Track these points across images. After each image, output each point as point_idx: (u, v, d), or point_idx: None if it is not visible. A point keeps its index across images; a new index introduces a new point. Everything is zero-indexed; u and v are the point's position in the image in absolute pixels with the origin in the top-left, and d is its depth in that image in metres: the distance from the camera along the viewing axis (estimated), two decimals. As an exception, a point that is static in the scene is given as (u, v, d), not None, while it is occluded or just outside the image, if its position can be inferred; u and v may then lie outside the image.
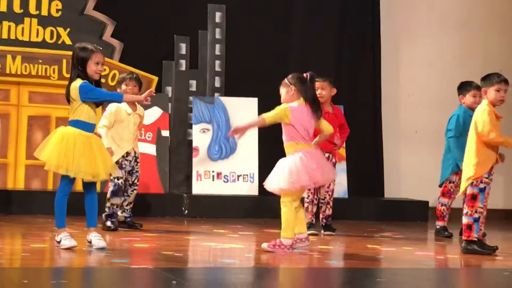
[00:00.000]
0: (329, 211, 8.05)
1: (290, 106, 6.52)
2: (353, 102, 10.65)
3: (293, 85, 6.60)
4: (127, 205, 7.79)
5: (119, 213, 7.74)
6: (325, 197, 8.05)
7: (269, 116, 6.54)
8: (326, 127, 6.73)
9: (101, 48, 6.40)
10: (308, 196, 7.95)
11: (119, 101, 7.25)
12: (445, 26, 11.25)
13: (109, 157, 6.43)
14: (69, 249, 6.08)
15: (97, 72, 6.24)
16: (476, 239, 6.85)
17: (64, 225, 6.22)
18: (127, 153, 7.69)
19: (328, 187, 8.00)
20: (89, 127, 6.24)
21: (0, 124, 9.37)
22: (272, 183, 6.51)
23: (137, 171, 7.78)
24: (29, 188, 9.43)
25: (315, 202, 8.03)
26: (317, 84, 7.58)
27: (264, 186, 6.64)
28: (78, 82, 6.20)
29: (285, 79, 6.71)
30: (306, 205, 7.92)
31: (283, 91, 6.69)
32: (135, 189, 7.79)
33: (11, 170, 9.46)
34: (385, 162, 10.90)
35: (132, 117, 7.72)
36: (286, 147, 6.59)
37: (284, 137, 6.60)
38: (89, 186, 6.31)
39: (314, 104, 6.60)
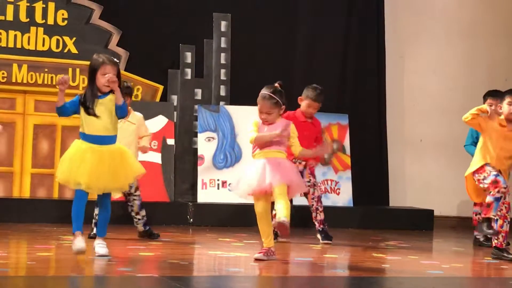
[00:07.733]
0: (320, 216, 8.07)
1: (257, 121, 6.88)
2: (358, 110, 10.67)
3: None
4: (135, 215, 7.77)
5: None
6: (312, 205, 8.09)
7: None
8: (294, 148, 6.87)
9: (117, 61, 6.36)
10: None
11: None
12: (450, 34, 11.25)
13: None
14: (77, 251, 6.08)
15: (105, 85, 6.11)
16: (489, 218, 7.00)
17: (75, 229, 6.13)
18: None
19: (313, 194, 8.05)
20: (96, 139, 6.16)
21: (5, 132, 9.38)
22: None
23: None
24: (34, 197, 9.44)
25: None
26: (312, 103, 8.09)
27: None
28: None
29: None
30: None
31: None
32: (134, 199, 7.70)
33: (17, 179, 9.48)
34: (390, 170, 10.90)
35: (124, 125, 7.44)
36: None
37: None
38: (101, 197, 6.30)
39: None
